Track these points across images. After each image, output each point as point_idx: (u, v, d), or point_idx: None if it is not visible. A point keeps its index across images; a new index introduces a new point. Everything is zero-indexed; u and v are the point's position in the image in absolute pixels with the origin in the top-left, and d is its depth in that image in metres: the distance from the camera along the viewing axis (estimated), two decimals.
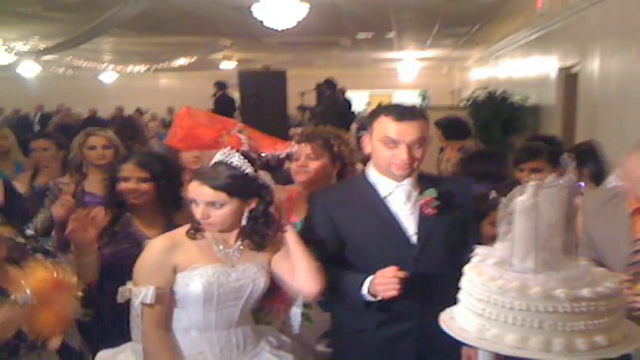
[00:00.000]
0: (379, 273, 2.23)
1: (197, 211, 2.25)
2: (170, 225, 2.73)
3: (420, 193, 2.37)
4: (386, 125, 2.33)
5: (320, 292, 2.31)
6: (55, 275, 2.15)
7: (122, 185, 2.88)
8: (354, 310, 2.43)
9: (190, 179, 2.30)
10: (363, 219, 2.39)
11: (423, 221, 2.36)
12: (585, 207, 2.55)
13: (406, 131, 2.31)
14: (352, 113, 12.81)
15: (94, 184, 3.65)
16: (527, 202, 1.56)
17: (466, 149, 5.56)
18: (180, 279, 2.28)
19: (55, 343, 2.31)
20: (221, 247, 2.34)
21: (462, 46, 13.53)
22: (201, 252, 2.31)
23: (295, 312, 2.84)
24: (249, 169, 2.29)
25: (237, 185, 2.24)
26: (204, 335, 2.30)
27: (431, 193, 2.36)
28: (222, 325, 2.31)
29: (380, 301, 2.27)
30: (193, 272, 2.27)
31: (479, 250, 1.67)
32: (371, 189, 2.41)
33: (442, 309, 1.83)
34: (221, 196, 2.22)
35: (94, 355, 2.44)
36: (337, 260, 2.40)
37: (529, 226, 1.56)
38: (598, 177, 3.72)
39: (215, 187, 2.21)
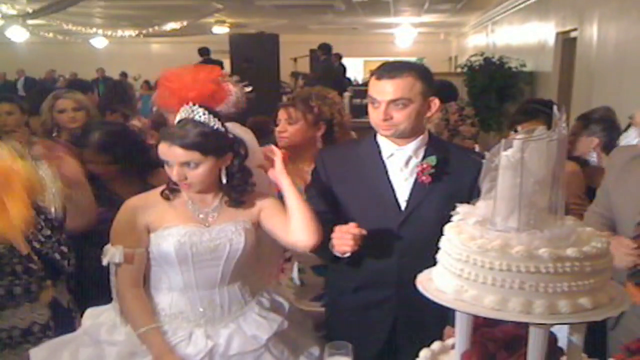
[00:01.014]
0: (337, 228, 2.21)
1: (172, 173, 2.19)
2: (146, 186, 2.71)
3: (424, 159, 2.32)
4: (371, 84, 2.31)
5: (317, 244, 2.27)
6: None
7: (90, 168, 2.94)
8: (336, 272, 2.47)
9: (160, 140, 2.22)
10: (357, 178, 2.38)
11: (416, 188, 2.32)
12: (612, 162, 2.51)
13: (384, 89, 2.26)
14: (348, 79, 12.65)
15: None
16: (513, 157, 1.47)
17: (447, 110, 5.66)
18: (153, 239, 2.27)
19: (46, 297, 2.40)
20: (197, 207, 2.29)
21: (460, 11, 13.33)
22: (175, 213, 2.28)
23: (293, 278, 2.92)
24: (216, 124, 2.22)
25: (208, 142, 2.18)
26: (185, 295, 2.29)
27: (430, 161, 2.30)
28: (203, 286, 2.29)
29: (352, 260, 2.27)
30: (165, 232, 2.24)
31: (460, 209, 1.58)
32: (375, 150, 2.39)
33: None
34: (194, 155, 2.16)
35: (82, 312, 2.44)
36: (329, 218, 2.35)
37: (513, 183, 1.47)
38: (609, 147, 3.48)
39: (186, 147, 2.15)
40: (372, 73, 2.37)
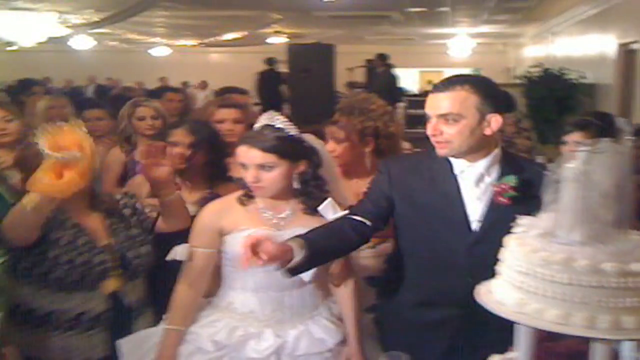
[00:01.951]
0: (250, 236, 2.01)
1: (247, 175, 2.29)
2: (211, 194, 2.86)
3: (500, 178, 2.18)
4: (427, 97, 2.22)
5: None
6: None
7: (169, 150, 2.91)
8: (397, 285, 2.38)
9: (238, 143, 2.33)
10: (426, 193, 2.27)
11: (491, 209, 2.18)
12: None
13: (434, 103, 2.16)
14: (399, 89, 12.59)
15: None
16: (578, 169, 1.46)
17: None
18: (228, 241, 2.37)
19: (106, 289, 2.53)
20: (270, 212, 2.37)
21: (518, 22, 13.15)
22: (249, 217, 2.38)
23: None
24: (293, 131, 2.32)
25: (285, 147, 2.27)
26: (257, 295, 2.36)
27: (510, 181, 2.15)
28: (274, 287, 2.36)
29: (417, 276, 2.23)
30: (239, 234, 2.32)
31: (522, 221, 1.57)
32: (447, 166, 2.25)
33: None
34: (271, 158, 2.26)
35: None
36: (367, 217, 2.27)
37: (578, 195, 1.46)
38: None
39: (264, 149, 2.25)
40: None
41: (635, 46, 6.89)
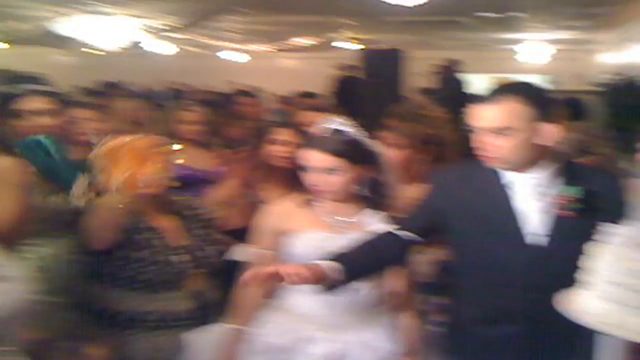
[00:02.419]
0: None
1: (313, 178, 2.31)
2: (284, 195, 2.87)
3: (563, 189, 2.07)
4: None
5: None
6: None
7: (275, 148, 3.02)
8: (457, 300, 2.33)
9: (303, 147, 2.37)
10: (477, 205, 2.18)
11: (555, 222, 2.08)
12: None
13: (479, 115, 2.05)
14: (465, 94, 12.42)
15: (190, 158, 3.73)
16: None
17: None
18: (289, 242, 2.38)
19: (189, 288, 2.64)
20: (333, 215, 2.39)
21: (593, 28, 12.78)
22: (312, 219, 2.39)
23: None
24: (358, 136, 2.33)
25: (349, 150, 2.29)
26: (314, 297, 2.34)
27: (574, 192, 2.04)
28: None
29: (476, 292, 2.19)
30: (300, 236, 2.36)
31: (609, 229, 1.57)
32: (494, 176, 2.15)
33: (555, 317, 1.68)
34: (336, 161, 2.28)
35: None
36: (416, 232, 2.24)
37: None
38: None
39: (333, 153, 2.27)
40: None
41: None
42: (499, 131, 2.00)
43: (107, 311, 2.57)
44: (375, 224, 2.38)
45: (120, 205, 2.38)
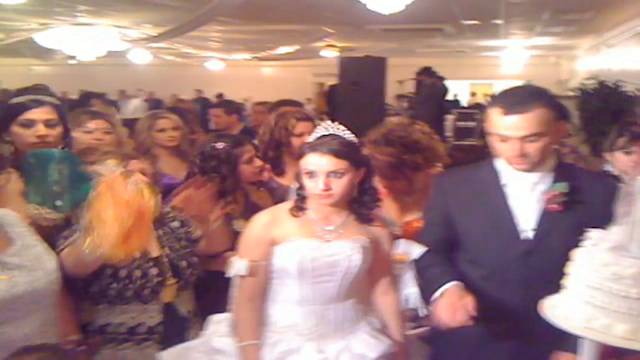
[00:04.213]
0: (449, 295, 2.12)
1: (316, 183, 2.28)
2: (248, 204, 3.00)
3: (552, 185, 2.20)
4: (497, 119, 2.18)
5: None
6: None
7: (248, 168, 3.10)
8: None
9: (303, 151, 2.34)
10: (477, 206, 2.31)
11: (544, 216, 2.20)
12: None
13: (515, 125, 2.14)
14: (448, 101, 12.52)
15: (165, 165, 3.71)
16: None
17: None
18: (277, 252, 2.34)
19: (161, 301, 2.55)
20: (321, 223, 2.37)
21: (573, 34, 12.92)
22: (300, 227, 2.36)
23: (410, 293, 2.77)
24: (353, 139, 2.34)
25: (353, 153, 2.30)
26: (301, 308, 2.35)
27: (561, 187, 2.18)
28: (319, 300, 2.34)
29: (471, 290, 2.19)
30: (289, 245, 2.33)
31: (592, 234, 1.58)
32: (494, 176, 2.30)
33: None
34: (343, 164, 2.27)
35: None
36: (444, 245, 2.34)
37: None
38: None
39: (338, 156, 2.26)
40: (493, 103, 2.26)
41: None
42: (532, 138, 2.13)
43: (79, 322, 2.52)
44: (410, 252, 2.43)
45: (94, 255, 2.20)
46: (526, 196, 2.24)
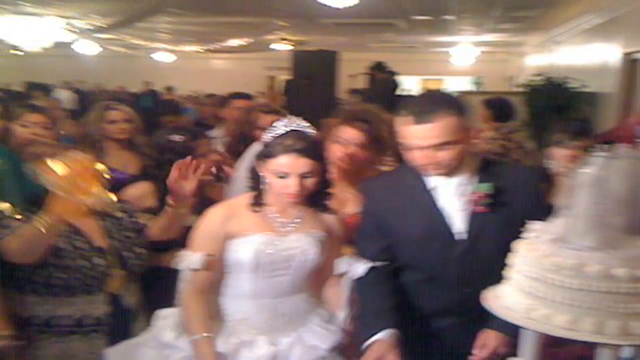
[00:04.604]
0: (378, 343, 2.13)
1: (291, 184, 2.24)
2: (203, 199, 2.87)
3: (477, 187, 2.19)
4: (407, 128, 2.14)
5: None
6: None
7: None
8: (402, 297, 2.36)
9: (272, 151, 2.26)
10: (409, 212, 2.28)
11: (473, 218, 2.20)
12: None
13: (425, 135, 2.11)
14: (400, 96, 12.61)
15: (115, 159, 3.57)
16: (595, 174, 1.47)
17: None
18: (232, 246, 2.30)
19: (106, 292, 2.53)
20: (278, 217, 2.35)
21: (521, 31, 13.18)
22: (256, 222, 2.33)
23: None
24: (316, 135, 2.32)
25: (319, 151, 2.28)
26: (253, 302, 2.32)
27: (484, 188, 2.17)
28: (270, 294, 2.33)
29: (414, 290, 2.28)
30: (244, 240, 2.29)
31: (534, 226, 1.59)
32: (420, 181, 2.26)
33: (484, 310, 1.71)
34: (315, 165, 2.25)
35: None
36: (384, 256, 2.32)
37: (592, 201, 1.47)
38: None
39: (312, 157, 2.23)
40: (402, 112, 2.18)
41: (637, 55, 6.93)
42: (442, 146, 2.10)
43: (20, 315, 2.48)
44: (344, 264, 2.39)
45: (50, 229, 2.26)
46: (454, 199, 2.23)
